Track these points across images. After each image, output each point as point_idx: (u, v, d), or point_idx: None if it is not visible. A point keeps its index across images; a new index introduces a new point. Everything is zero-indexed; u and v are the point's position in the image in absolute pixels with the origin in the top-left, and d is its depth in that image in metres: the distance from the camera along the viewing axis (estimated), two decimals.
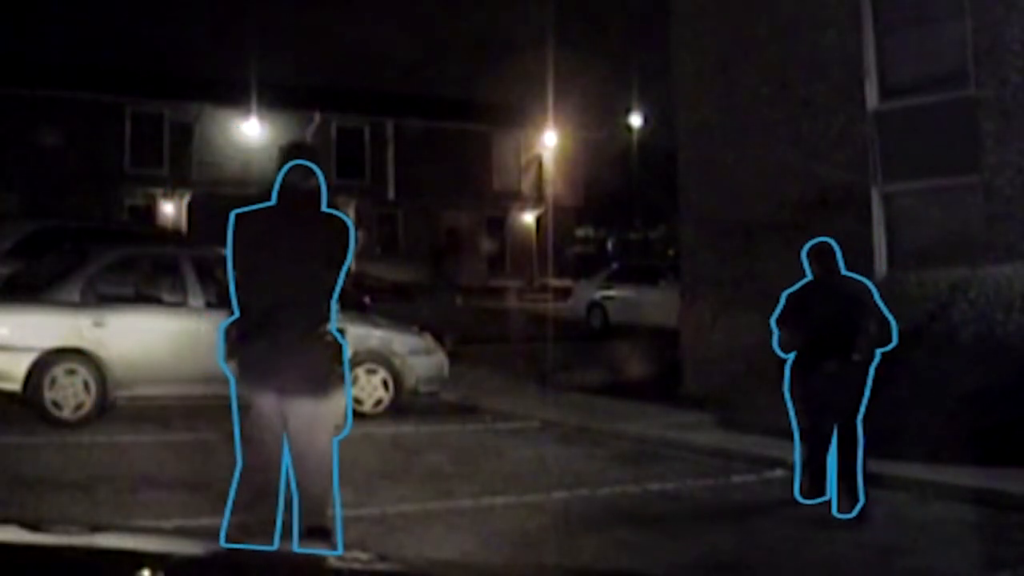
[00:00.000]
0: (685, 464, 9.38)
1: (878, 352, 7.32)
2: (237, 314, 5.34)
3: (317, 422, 5.29)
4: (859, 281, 7.82)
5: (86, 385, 9.50)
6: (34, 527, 2.49)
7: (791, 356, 7.60)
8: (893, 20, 12.14)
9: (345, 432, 5.50)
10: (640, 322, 19.93)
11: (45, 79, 31.32)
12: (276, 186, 5.34)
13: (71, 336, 9.55)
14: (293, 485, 5.31)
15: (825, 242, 7.77)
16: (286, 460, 5.36)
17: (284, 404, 5.27)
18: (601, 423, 11.18)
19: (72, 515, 6.40)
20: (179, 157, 34.39)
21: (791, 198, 12.38)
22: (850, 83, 12.21)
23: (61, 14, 45.60)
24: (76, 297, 9.76)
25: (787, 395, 7.63)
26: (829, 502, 7.42)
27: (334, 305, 5.25)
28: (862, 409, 7.30)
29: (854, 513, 7.21)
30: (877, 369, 7.35)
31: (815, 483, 7.53)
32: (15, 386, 9.34)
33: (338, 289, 5.23)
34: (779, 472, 8.79)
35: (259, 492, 5.38)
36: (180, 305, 10.31)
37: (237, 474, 5.41)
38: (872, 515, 7.20)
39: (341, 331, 5.37)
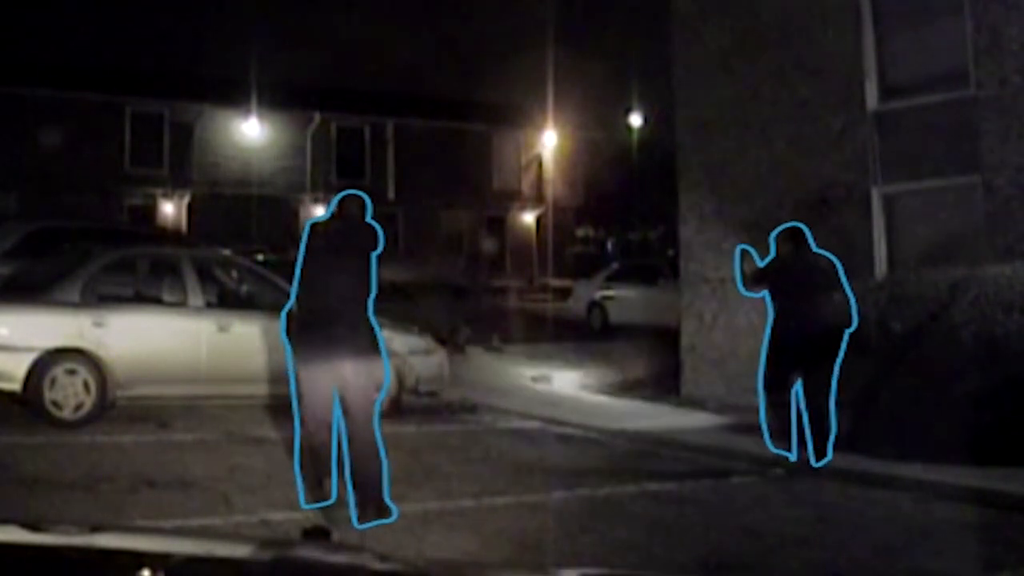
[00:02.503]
0: (685, 464, 9.39)
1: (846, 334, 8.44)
2: (295, 300, 6.71)
3: (363, 380, 6.55)
4: (827, 257, 8.81)
5: (86, 385, 9.48)
6: (34, 527, 2.49)
7: (771, 316, 8.79)
8: (893, 20, 12.12)
9: (383, 394, 6.84)
10: (640, 322, 19.92)
11: (45, 79, 31.32)
12: (332, 205, 6.92)
13: (71, 336, 9.54)
14: (347, 455, 6.51)
15: (795, 225, 8.98)
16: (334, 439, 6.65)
17: (338, 369, 6.48)
18: (601, 423, 11.19)
19: (72, 515, 6.40)
20: (179, 157, 34.39)
21: (791, 198, 12.37)
22: (850, 83, 12.20)
23: (61, 14, 45.59)
24: (76, 297, 9.75)
25: (763, 354, 8.83)
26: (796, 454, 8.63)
27: (371, 298, 6.56)
28: (836, 367, 8.42)
29: (826, 461, 8.50)
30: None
31: (783, 433, 8.75)
32: (15, 386, 9.32)
33: (374, 284, 6.58)
34: (779, 472, 8.80)
35: (313, 461, 6.67)
36: (180, 305, 10.31)
37: (297, 451, 6.73)
38: (874, 514, 7.32)
39: (379, 323, 6.70)
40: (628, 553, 6.43)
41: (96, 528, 2.64)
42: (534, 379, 14.29)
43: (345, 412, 6.58)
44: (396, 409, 10.78)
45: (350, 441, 6.57)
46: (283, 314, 6.85)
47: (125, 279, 10.69)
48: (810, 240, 8.89)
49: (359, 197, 6.91)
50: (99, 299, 9.92)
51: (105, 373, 9.55)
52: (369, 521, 6.34)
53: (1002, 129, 10.91)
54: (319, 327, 6.52)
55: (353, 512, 6.47)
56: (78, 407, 9.46)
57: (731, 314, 12.67)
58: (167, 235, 23.55)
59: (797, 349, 8.63)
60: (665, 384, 13.64)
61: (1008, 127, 10.86)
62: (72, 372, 9.46)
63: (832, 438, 8.57)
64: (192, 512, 6.70)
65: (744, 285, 9.12)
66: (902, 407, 8.84)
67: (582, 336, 20.56)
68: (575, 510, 7.51)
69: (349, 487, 6.58)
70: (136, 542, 2.46)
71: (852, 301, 8.57)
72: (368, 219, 6.80)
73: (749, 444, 9.68)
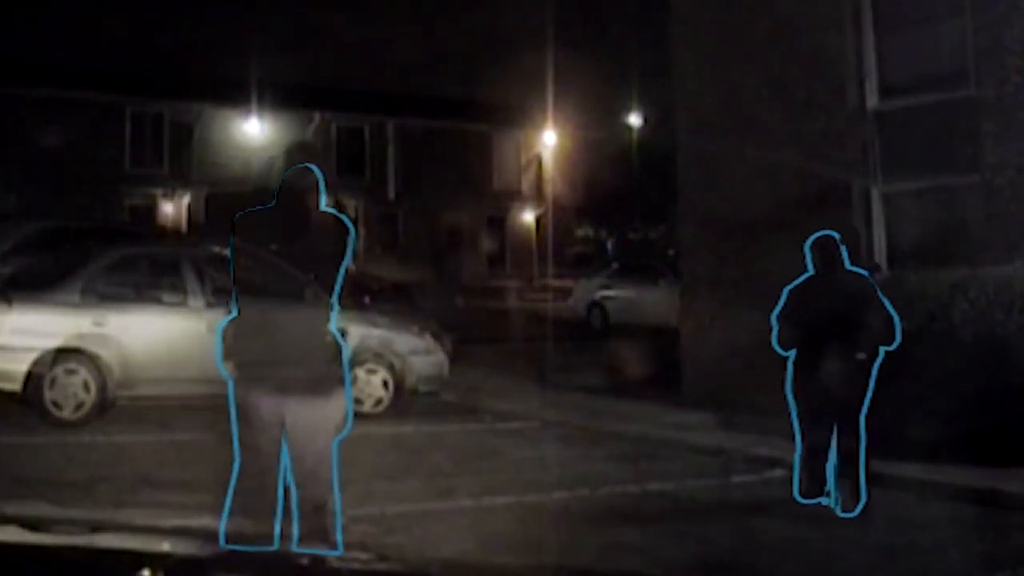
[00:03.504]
0: (685, 464, 9.38)
1: (882, 350, 7.29)
2: (235, 314, 5.16)
3: (316, 422, 5.09)
4: (862, 276, 7.75)
5: (86, 385, 9.49)
6: (34, 527, 2.49)
7: (793, 354, 7.49)
8: (893, 20, 12.12)
9: (345, 432, 5.23)
10: (640, 322, 19.92)
11: (45, 79, 31.31)
12: (276, 187, 5.27)
13: (71, 336, 9.55)
14: (293, 486, 5.16)
15: (828, 235, 7.66)
16: (284, 462, 5.20)
17: (283, 404, 5.06)
18: (601, 423, 11.18)
19: (72, 515, 6.40)
20: (179, 157, 34.40)
21: (791, 198, 12.37)
22: (850, 83, 12.19)
23: (61, 14, 45.59)
24: (76, 297, 9.76)
25: (789, 393, 7.53)
26: (830, 502, 7.41)
27: (333, 305, 5.07)
28: (865, 406, 7.26)
29: (857, 512, 7.21)
30: (881, 367, 7.37)
31: (814, 482, 7.48)
32: (15, 386, 9.34)
33: (337, 289, 5.04)
34: (779, 472, 8.79)
35: (257, 494, 5.25)
36: (180, 305, 10.31)
37: (234, 477, 5.23)
38: (874, 514, 7.24)
39: (342, 332, 5.19)
40: (628, 553, 6.42)
41: (96, 528, 2.64)
42: (533, 379, 14.29)
43: (290, 443, 5.15)
44: (396, 409, 10.81)
45: (295, 470, 5.17)
46: (219, 331, 5.26)
47: (125, 279, 10.70)
48: (843, 254, 7.60)
49: (303, 167, 5.29)
50: (99, 299, 9.93)
51: (105, 373, 9.56)
52: (309, 548, 4.77)
53: (1002, 129, 10.91)
54: (263, 351, 5.05)
55: (296, 537, 5.05)
56: (78, 407, 9.47)
57: (730, 314, 12.65)
58: (167, 235, 23.56)
59: (828, 403, 7.46)
60: (665, 384, 13.63)
61: (1008, 127, 10.86)
62: (72, 372, 9.47)
63: (863, 477, 7.41)
64: (192, 512, 6.69)
65: (780, 346, 7.60)
66: (902, 407, 8.82)
67: (582, 336, 20.56)
68: (575, 510, 7.50)
69: (295, 517, 5.16)
70: (136, 542, 2.46)
71: (896, 322, 7.36)
72: (325, 206, 5.29)
73: (749, 444, 9.68)
